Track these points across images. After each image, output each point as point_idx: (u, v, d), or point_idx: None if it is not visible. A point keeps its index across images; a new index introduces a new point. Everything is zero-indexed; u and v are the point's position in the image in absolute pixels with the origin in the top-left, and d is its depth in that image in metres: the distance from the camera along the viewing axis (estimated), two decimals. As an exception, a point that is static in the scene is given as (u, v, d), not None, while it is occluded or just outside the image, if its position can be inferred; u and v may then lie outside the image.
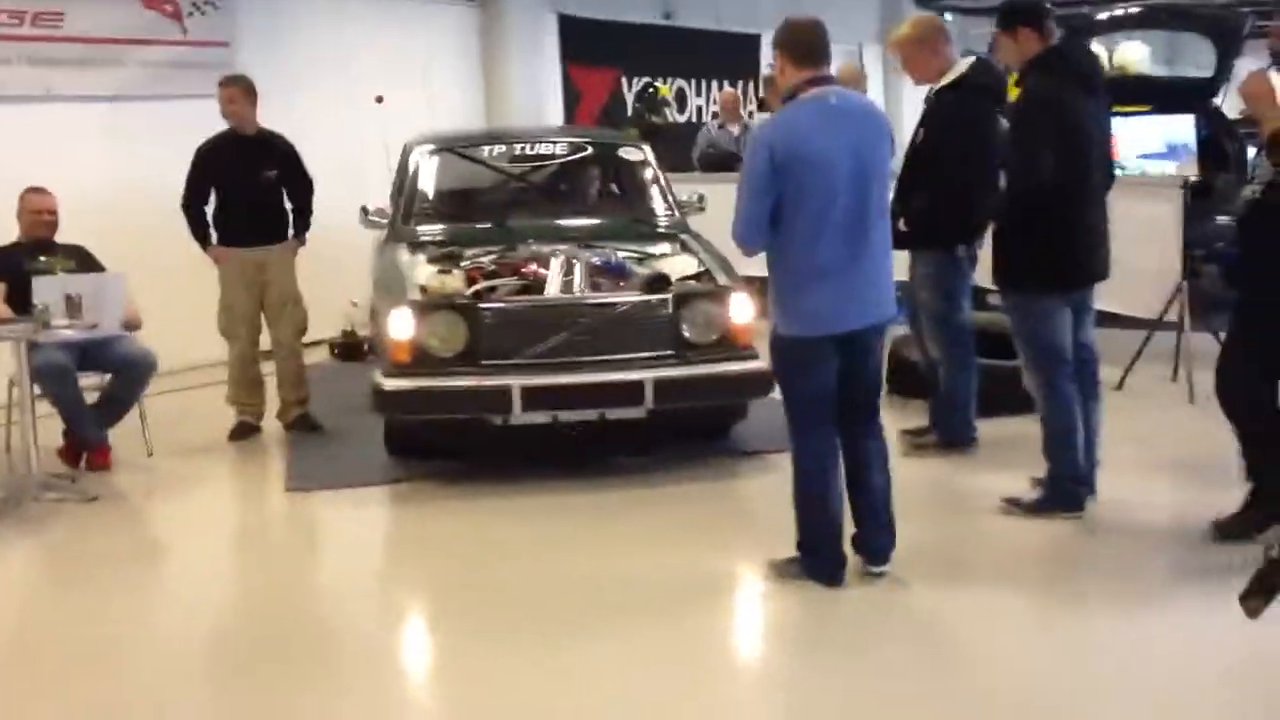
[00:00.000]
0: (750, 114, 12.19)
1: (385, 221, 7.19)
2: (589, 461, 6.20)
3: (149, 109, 8.65)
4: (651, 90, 12.11)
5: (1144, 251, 6.97)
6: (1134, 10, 10.50)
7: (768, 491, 5.82)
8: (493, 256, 6.55)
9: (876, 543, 4.65)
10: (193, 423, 7.23)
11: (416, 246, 6.71)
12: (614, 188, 7.94)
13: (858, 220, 4.30)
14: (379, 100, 8.83)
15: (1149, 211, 7.27)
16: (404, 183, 7.31)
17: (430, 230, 7.00)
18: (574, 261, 6.23)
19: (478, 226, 7.07)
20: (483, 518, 5.60)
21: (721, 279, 6.14)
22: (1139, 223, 6.69)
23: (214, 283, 7.78)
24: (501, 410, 5.76)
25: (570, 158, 7.67)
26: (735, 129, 11.10)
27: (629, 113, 13.12)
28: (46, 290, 6.06)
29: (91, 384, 6.48)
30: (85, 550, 5.44)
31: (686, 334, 5.96)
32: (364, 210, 7.25)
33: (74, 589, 5.02)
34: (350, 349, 9.47)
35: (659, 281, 6.17)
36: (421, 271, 6.27)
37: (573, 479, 6.00)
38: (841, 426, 4.51)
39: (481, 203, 7.51)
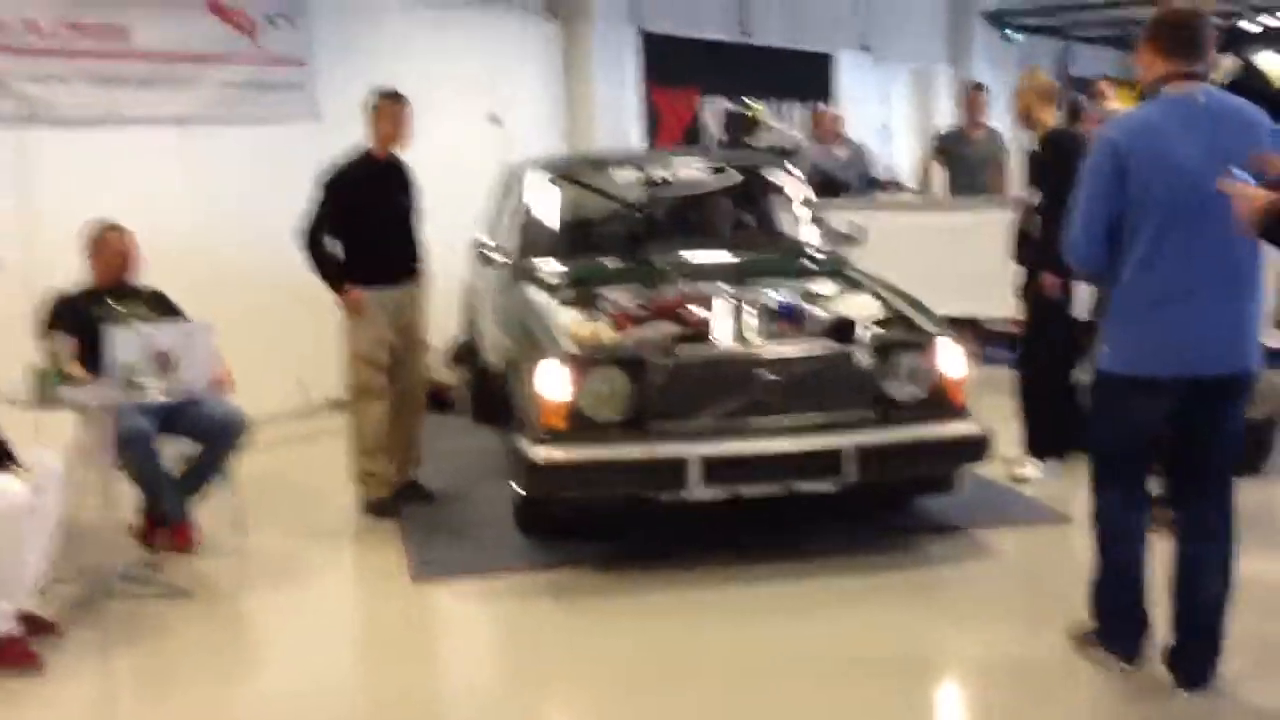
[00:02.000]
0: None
1: (502, 257, 6.27)
2: (767, 542, 5.25)
3: (222, 134, 7.76)
4: (744, 109, 11.14)
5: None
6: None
7: (997, 581, 4.90)
8: (635, 297, 5.63)
9: (1195, 661, 3.71)
10: (282, 490, 6.29)
11: (546, 286, 5.79)
12: (755, 216, 7.00)
13: (1216, 243, 3.48)
14: (495, 121, 7.93)
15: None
16: (520, 212, 6.39)
17: (555, 266, 6.08)
18: (743, 304, 5.30)
19: (611, 262, 6.14)
20: (651, 617, 4.64)
21: (925, 324, 5.20)
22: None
23: (296, 325, 6.96)
24: (676, 486, 4.80)
25: (708, 182, 6.69)
26: (841, 151, 10.12)
27: (705, 135, 12.21)
28: (126, 344, 5.11)
29: (171, 450, 5.55)
30: (180, 664, 4.50)
31: (889, 391, 5.01)
32: (479, 244, 6.32)
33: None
34: (437, 398, 8.52)
35: (845, 328, 5.23)
36: (562, 316, 5.36)
37: (752, 565, 5.04)
38: (1174, 503, 3.66)
39: (610, 234, 6.57)
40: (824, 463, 4.82)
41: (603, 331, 5.23)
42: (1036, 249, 5.89)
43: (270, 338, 7.10)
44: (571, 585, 4.96)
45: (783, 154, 11.34)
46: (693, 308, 5.28)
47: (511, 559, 5.21)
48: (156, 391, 4.90)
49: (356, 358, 5.91)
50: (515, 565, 5.15)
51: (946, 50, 16.60)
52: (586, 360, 4.89)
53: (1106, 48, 22.02)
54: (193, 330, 5.41)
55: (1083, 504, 4.13)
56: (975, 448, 5.01)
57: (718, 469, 4.77)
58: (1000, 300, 6.62)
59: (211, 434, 5.49)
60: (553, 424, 4.86)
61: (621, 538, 5.34)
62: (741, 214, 6.96)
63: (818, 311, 5.42)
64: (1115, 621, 3.89)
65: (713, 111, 11.77)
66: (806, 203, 6.59)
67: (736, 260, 6.18)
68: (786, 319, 5.34)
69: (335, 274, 5.84)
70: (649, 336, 5.12)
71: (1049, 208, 5.80)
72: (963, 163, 9.38)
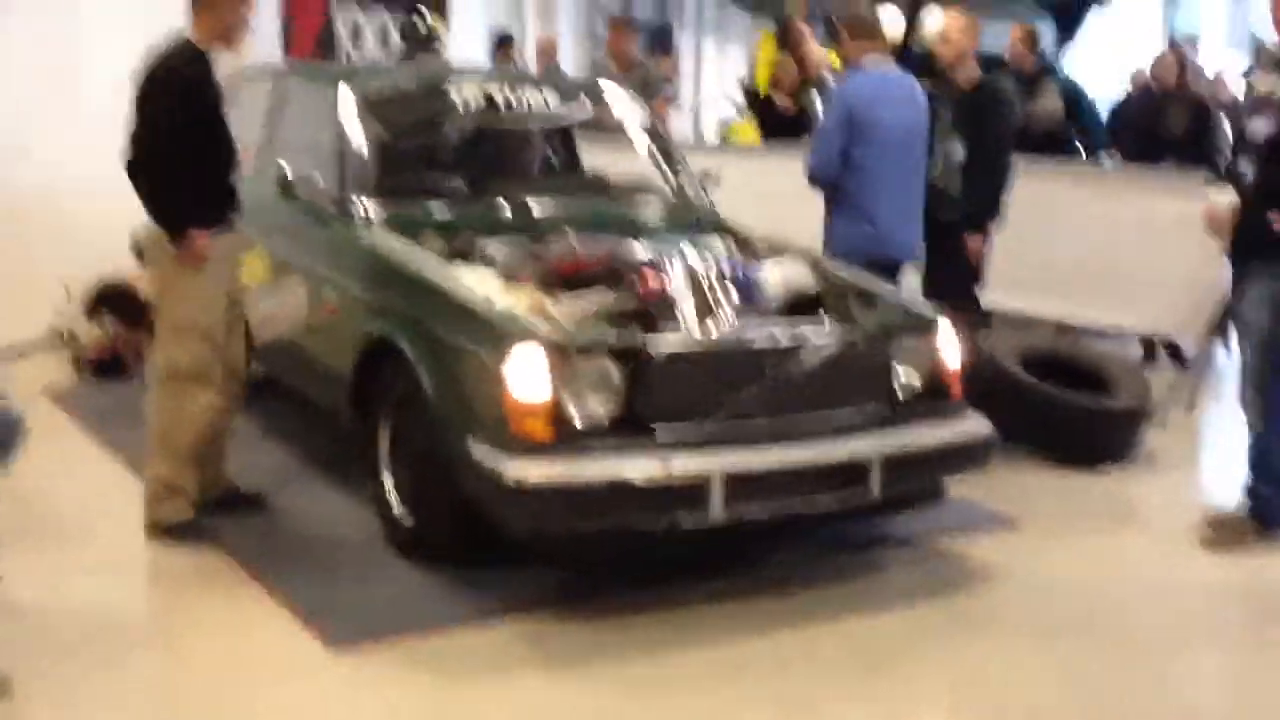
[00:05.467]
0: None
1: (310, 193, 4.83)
2: (709, 565, 4.32)
3: None
4: (417, 20, 9.65)
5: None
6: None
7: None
8: (521, 253, 4.53)
9: None
10: (16, 508, 4.50)
11: (411, 234, 4.54)
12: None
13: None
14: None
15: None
16: (337, 139, 4.95)
17: (401, 210, 4.79)
18: (697, 271, 4.34)
19: (471, 206, 4.95)
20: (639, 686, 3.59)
21: (909, 303, 4.55)
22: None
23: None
24: (696, 508, 3.78)
25: (554, 113, 5.51)
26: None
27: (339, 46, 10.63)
28: None
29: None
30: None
31: (897, 386, 4.27)
32: (286, 179, 4.80)
33: None
34: (110, 363, 6.71)
35: (810, 305, 4.47)
36: (476, 279, 4.20)
37: (745, 602, 4.10)
38: None
39: (445, 173, 5.23)
40: (851, 475, 4.00)
41: (544, 303, 4.11)
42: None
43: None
44: (554, 640, 3.81)
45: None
46: (647, 273, 4.24)
47: (441, 604, 3.96)
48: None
49: (186, 329, 4.32)
50: (445, 616, 3.89)
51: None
52: (573, 348, 3.76)
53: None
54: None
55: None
56: (986, 449, 4.38)
57: (742, 487, 3.82)
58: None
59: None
60: (532, 431, 3.70)
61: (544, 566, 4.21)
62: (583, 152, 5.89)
63: (762, 281, 4.59)
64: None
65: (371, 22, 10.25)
66: (661, 141, 5.63)
67: (618, 209, 5.18)
68: (740, 291, 4.44)
69: (178, 210, 4.21)
70: (612, 311, 4.09)
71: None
72: None
